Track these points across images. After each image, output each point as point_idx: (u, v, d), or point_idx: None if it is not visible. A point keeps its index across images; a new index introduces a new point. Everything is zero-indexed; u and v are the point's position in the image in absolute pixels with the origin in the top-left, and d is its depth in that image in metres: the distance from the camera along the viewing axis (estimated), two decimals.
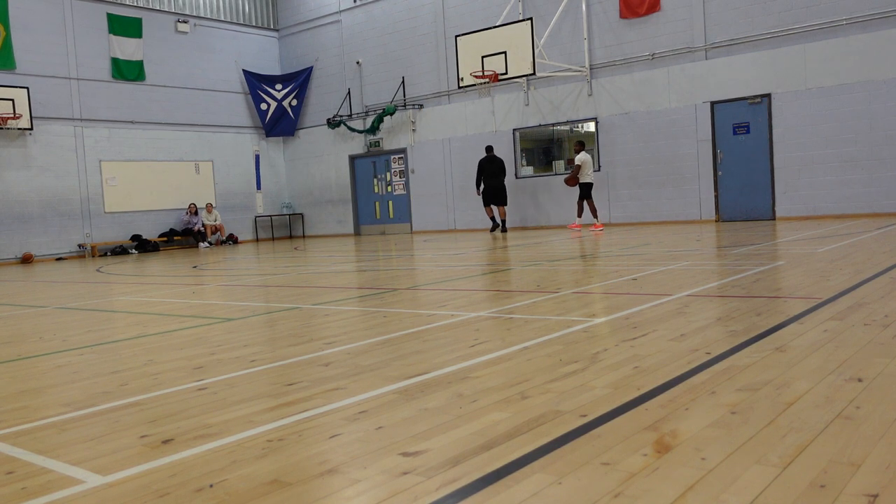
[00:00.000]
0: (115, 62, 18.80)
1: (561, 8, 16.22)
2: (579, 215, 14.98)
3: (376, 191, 21.01)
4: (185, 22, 20.29)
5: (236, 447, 2.29)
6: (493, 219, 16.59)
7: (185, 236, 19.80)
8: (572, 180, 14.68)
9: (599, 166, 16.35)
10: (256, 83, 21.70)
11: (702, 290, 5.16)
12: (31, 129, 16.96)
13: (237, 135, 21.66)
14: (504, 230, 16.40)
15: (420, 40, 19.24)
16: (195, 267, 11.90)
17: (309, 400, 2.83)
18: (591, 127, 16.71)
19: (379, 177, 20.83)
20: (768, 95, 14.14)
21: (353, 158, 21.23)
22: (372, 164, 21.05)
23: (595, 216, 14.82)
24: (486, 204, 16.46)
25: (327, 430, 2.41)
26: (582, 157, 14.59)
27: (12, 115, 16.45)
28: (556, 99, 16.98)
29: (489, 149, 16.57)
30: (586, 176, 14.65)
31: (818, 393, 2.48)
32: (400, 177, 20.30)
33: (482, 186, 16.34)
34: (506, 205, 16.43)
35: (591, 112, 16.46)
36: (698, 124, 15.00)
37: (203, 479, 2.02)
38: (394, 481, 1.92)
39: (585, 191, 14.71)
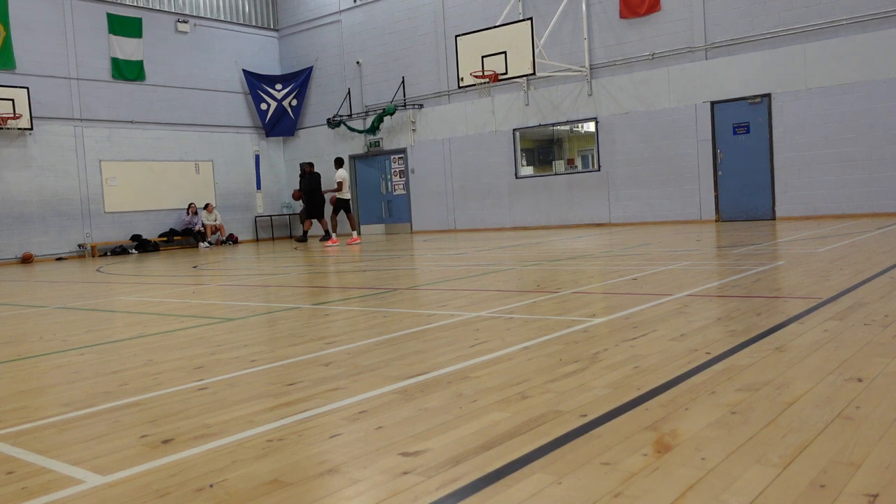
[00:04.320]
0: (115, 62, 18.80)
1: (561, 8, 16.22)
2: (335, 230, 15.85)
3: (383, 191, 21.00)
4: (185, 22, 20.28)
5: (236, 447, 2.29)
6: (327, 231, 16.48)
7: (185, 236, 19.79)
8: (333, 197, 15.53)
9: (599, 166, 16.36)
10: (256, 83, 21.70)
11: (702, 290, 5.16)
12: (31, 129, 16.96)
13: (237, 135, 21.66)
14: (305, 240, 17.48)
15: (420, 40, 19.24)
16: (195, 267, 11.90)
17: (309, 400, 2.83)
18: (591, 127, 16.71)
19: (385, 176, 20.85)
20: (768, 95, 14.14)
21: (353, 158, 21.23)
22: (378, 165, 21.08)
23: (333, 231, 15.73)
24: (328, 216, 16.73)
25: (327, 430, 2.41)
26: (343, 174, 15.46)
27: (12, 115, 16.44)
28: (556, 99, 16.97)
29: (312, 165, 17.60)
30: (346, 192, 15.54)
31: (818, 393, 2.48)
32: (400, 177, 20.29)
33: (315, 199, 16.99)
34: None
35: (591, 112, 16.45)
36: (698, 124, 15.00)
37: (203, 479, 2.02)
38: (394, 481, 1.92)
39: (344, 205, 15.54)
